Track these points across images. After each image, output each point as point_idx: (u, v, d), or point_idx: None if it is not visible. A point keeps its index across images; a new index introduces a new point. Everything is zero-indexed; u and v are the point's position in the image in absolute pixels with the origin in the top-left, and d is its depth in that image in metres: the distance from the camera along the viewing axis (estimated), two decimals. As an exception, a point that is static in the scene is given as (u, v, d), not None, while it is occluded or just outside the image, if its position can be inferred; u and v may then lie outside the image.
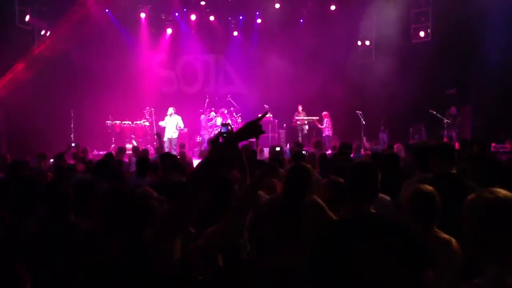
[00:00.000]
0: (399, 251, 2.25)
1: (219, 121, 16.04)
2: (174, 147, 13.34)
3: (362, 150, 10.12)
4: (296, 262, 2.90)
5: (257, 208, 3.60)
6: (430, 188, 2.87)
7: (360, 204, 2.44)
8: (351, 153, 7.48)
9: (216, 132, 15.61)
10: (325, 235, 2.46)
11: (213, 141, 4.09)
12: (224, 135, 3.99)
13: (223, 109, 16.30)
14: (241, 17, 18.26)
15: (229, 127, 4.16)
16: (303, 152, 7.91)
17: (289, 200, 3.40)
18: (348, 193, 2.55)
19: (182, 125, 14.25)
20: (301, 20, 17.81)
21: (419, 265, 2.26)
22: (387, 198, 3.91)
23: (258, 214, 3.50)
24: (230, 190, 3.57)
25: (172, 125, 14.06)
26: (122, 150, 9.85)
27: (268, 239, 3.36)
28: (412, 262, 2.24)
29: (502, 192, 1.67)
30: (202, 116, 16.11)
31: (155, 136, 12.44)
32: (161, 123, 14.28)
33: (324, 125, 15.51)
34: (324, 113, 15.54)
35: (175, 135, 14.03)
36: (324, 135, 15.41)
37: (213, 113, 16.20)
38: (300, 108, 16.11)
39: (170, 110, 14.14)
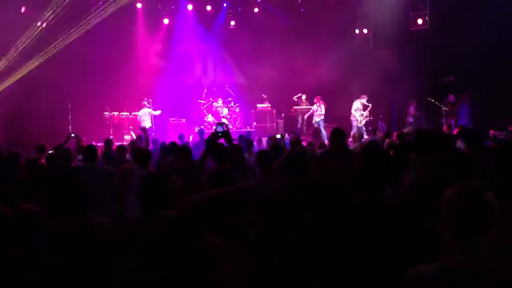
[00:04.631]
0: (405, 243, 2.29)
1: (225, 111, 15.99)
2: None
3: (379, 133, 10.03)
4: (303, 243, 2.93)
5: (261, 192, 3.62)
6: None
7: (371, 192, 2.45)
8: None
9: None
10: (334, 222, 2.46)
11: (208, 141, 4.10)
12: (219, 134, 4.01)
13: (219, 99, 16.22)
14: (240, 9, 18.15)
15: (225, 127, 4.16)
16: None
17: (291, 183, 3.43)
18: (359, 181, 2.54)
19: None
20: (302, 9, 17.71)
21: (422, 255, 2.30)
22: (387, 187, 3.88)
23: (263, 199, 3.53)
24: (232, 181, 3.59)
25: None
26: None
27: (276, 222, 3.40)
28: (415, 253, 2.28)
29: (471, 183, 1.88)
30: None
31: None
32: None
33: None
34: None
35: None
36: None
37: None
38: (304, 97, 16.06)
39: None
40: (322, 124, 14.62)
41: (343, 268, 2.33)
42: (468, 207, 1.82)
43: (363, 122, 14.52)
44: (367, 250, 2.30)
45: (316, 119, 15.00)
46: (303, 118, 16.07)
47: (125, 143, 12.64)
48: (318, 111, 14.92)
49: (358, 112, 14.44)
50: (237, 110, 16.52)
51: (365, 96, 14.59)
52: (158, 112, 14.99)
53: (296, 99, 16.02)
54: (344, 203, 3.13)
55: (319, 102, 14.96)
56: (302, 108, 16.03)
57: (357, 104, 14.50)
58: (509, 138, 7.10)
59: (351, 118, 14.56)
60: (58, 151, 7.16)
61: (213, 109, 16.15)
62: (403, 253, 2.26)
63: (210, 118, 15.96)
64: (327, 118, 15.82)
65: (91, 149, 5.94)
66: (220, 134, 4.04)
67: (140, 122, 14.68)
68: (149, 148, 9.33)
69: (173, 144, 6.87)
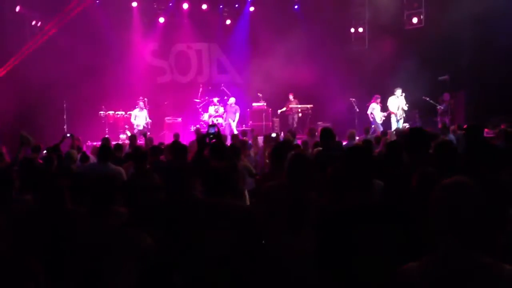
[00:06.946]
0: (396, 239, 2.29)
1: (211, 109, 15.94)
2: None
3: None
4: (306, 249, 2.95)
5: (260, 196, 3.62)
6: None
7: (357, 192, 2.45)
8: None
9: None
10: (326, 224, 2.48)
11: (200, 141, 4.13)
12: (211, 135, 4.05)
13: (214, 99, 16.16)
14: (236, 5, 18.11)
15: (216, 128, 4.19)
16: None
17: (293, 190, 3.43)
18: (345, 181, 2.54)
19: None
20: (296, 6, 17.68)
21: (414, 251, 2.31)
22: (380, 182, 3.87)
23: (262, 203, 3.53)
24: (233, 174, 3.59)
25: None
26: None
27: (277, 229, 3.40)
28: (407, 248, 2.28)
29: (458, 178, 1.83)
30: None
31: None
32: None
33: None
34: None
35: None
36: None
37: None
38: (291, 96, 16.11)
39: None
40: None
41: (339, 268, 2.35)
42: (445, 204, 1.77)
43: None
44: (354, 250, 2.31)
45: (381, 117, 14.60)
46: (293, 117, 16.10)
47: (120, 142, 12.64)
48: (378, 108, 14.55)
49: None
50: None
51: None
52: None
53: (284, 109, 16.02)
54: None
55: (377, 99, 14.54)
56: (297, 107, 16.07)
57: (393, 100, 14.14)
58: (501, 137, 7.11)
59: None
60: (54, 151, 7.19)
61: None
62: (391, 251, 2.28)
63: (205, 117, 15.93)
64: (322, 117, 15.89)
65: (105, 148, 6.09)
66: (211, 136, 4.07)
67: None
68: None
69: (176, 143, 6.79)
